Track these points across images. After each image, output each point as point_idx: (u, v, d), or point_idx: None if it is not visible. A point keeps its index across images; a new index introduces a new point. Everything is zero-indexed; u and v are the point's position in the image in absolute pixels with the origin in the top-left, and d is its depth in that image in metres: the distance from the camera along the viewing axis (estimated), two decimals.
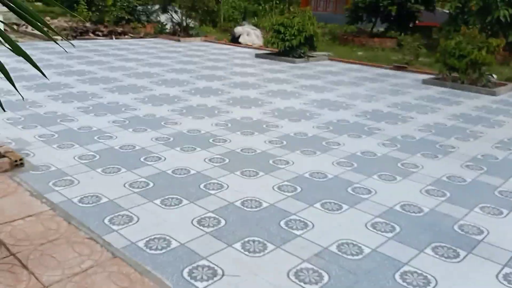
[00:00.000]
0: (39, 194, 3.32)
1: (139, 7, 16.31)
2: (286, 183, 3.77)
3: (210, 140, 4.81)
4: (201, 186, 3.64)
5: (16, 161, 3.79)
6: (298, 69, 9.93)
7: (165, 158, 4.22)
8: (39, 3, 27.34)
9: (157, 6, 15.70)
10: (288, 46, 10.86)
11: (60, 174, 3.74)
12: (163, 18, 16.00)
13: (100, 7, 15.77)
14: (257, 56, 11.58)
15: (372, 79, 9.00)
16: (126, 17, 15.68)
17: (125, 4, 15.61)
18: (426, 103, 7.00)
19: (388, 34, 15.23)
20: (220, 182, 3.72)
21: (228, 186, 3.64)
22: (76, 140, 4.64)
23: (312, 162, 4.28)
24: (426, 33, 16.05)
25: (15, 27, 14.68)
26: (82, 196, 3.36)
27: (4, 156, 3.80)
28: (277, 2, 21.35)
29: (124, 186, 3.58)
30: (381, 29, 15.50)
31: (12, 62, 8.44)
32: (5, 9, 2.23)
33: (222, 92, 7.22)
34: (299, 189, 3.66)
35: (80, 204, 3.24)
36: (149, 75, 8.33)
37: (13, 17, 19.10)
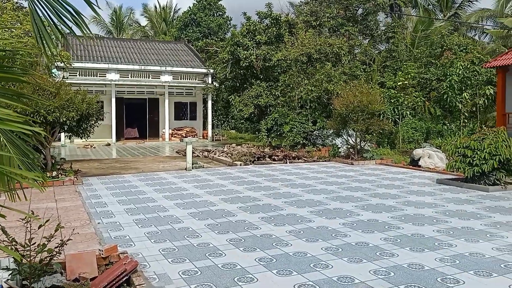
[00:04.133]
0: None
1: (316, 132, 16.87)
2: None
3: None
4: None
5: None
6: (491, 199, 8.20)
7: None
8: (233, 130, 31.46)
9: (331, 130, 15.95)
10: (478, 172, 9.27)
11: None
12: (338, 141, 16.11)
13: (278, 133, 16.89)
14: (439, 182, 10.19)
15: None
16: (302, 142, 16.29)
17: (301, 130, 16.34)
18: None
19: None
20: None
21: None
22: (214, 281, 4.30)
23: None
24: None
25: (206, 153, 16.69)
26: None
27: None
28: (466, 120, 19.57)
29: None
30: None
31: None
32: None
33: (390, 227, 6.21)
34: None
35: None
36: (311, 204, 7.91)
37: (209, 144, 22.03)
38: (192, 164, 12.94)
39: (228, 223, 6.58)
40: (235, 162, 14.10)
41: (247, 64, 20.89)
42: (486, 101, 19.66)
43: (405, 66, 20.08)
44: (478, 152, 9.36)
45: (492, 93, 19.42)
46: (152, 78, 25.23)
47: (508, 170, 9.29)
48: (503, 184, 9.24)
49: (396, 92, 18.18)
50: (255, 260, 4.88)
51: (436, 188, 9.42)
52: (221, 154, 16.19)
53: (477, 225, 6.26)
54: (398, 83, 18.53)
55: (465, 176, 9.66)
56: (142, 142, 25.03)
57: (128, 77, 24.64)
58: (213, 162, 15.08)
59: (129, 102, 25.84)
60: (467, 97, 18.82)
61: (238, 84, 23.03)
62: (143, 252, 5.20)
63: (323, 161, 14.74)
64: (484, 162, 9.20)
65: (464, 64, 18.70)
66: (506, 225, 6.24)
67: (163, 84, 25.15)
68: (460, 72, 18.57)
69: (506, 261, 4.72)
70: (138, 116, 26.27)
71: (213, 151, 17.05)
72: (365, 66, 24.40)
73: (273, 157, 14.76)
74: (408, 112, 18.24)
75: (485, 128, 10.41)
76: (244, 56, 20.63)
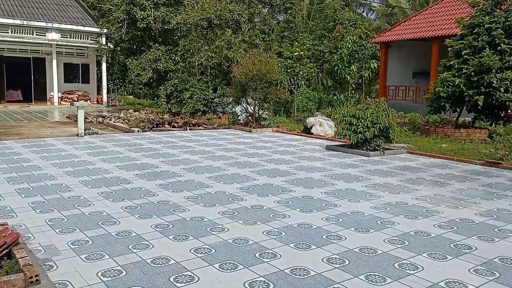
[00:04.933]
0: None
1: (216, 99, 16.89)
2: None
3: (257, 255, 4.09)
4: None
5: (31, 277, 3.36)
6: (371, 163, 9.08)
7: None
8: (130, 96, 30.06)
9: (231, 98, 16.11)
10: (361, 139, 10.16)
11: None
12: (238, 109, 16.35)
13: (178, 99, 16.58)
14: (328, 148, 10.97)
15: (459, 177, 7.85)
16: (202, 109, 16.23)
17: (201, 97, 16.24)
18: None
19: (477, 125, 13.94)
20: None
21: None
22: (107, 250, 4.19)
23: None
24: None
25: (100, 119, 15.79)
26: None
27: (21, 271, 3.40)
28: (353, 92, 21.13)
29: None
30: (468, 119, 14.27)
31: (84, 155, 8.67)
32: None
33: (283, 190, 6.58)
34: None
35: None
36: (210, 170, 8.02)
37: (105, 110, 20.85)
38: (85, 130, 12.17)
39: (124, 190, 6.39)
40: (132, 128, 13.58)
41: (145, 25, 19.90)
42: (370, 74, 21.40)
43: (301, 37, 20.84)
44: (362, 121, 10.22)
45: (376, 66, 21.17)
46: (37, 35, 22.77)
47: (387, 137, 10.32)
48: (382, 150, 10.27)
49: (292, 62, 18.86)
50: (151, 226, 4.85)
51: (325, 154, 10.14)
52: (117, 120, 15.45)
53: (358, 187, 6.92)
54: (295, 54, 19.22)
55: (350, 143, 10.53)
56: (27, 105, 22.77)
57: (8, 32, 21.93)
58: (108, 128, 14.35)
59: (10, 61, 23.11)
60: (354, 70, 20.26)
61: (135, 47, 21.87)
62: (27, 223, 4.84)
63: (223, 129, 14.90)
64: (366, 129, 10.09)
65: (353, 39, 19.99)
66: (383, 186, 7.00)
67: (50, 42, 22.89)
68: (349, 46, 19.84)
69: (382, 218, 5.32)
70: (21, 77, 23.66)
71: (109, 117, 16.19)
72: (264, 35, 24.80)
73: (173, 124, 14.50)
74: (303, 83, 19.10)
75: (368, 99, 11.35)
76: (141, 16, 19.59)
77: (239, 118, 15.94)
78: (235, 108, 16.43)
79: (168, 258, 4.00)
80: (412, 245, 4.41)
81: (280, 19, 30.16)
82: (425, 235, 4.73)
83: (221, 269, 3.79)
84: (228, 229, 4.81)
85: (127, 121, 14.93)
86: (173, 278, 3.60)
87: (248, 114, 15.43)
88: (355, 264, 3.93)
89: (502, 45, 12.66)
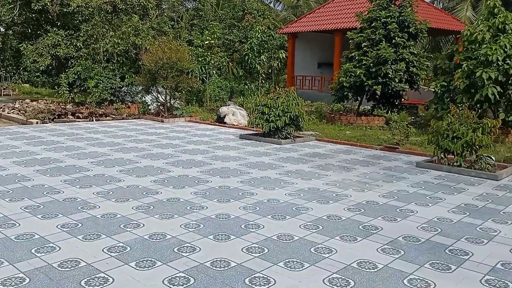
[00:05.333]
0: None
1: (124, 88, 16.10)
2: None
3: (175, 249, 3.99)
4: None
5: None
6: (284, 151, 9.35)
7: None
8: (26, 84, 27.47)
9: (141, 87, 15.47)
10: (273, 127, 10.40)
11: None
12: (148, 98, 15.75)
13: (82, 88, 15.52)
14: (242, 137, 11.07)
15: (363, 162, 8.41)
16: (109, 98, 15.38)
17: (108, 85, 15.36)
18: (425, 192, 6.32)
19: (375, 113, 15.03)
20: None
21: None
22: (6, 256, 3.78)
23: (299, 280, 3.45)
24: (413, 111, 15.94)
25: None
26: None
27: None
28: (263, 81, 21.53)
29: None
30: (368, 108, 15.33)
31: None
32: None
33: (199, 181, 6.50)
34: None
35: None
36: (120, 163, 7.63)
37: None
38: None
39: (23, 189, 5.82)
40: (30, 120, 12.42)
41: (40, 7, 18.19)
42: (279, 64, 21.98)
43: (211, 25, 20.64)
44: (274, 110, 10.46)
45: (284, 57, 21.77)
46: None
47: (297, 125, 10.69)
48: (292, 138, 10.62)
49: (203, 51, 18.63)
50: (56, 227, 4.48)
51: (239, 143, 10.22)
52: (12, 111, 14.02)
53: (273, 175, 7.09)
54: (205, 42, 19.00)
55: (263, 131, 10.73)
56: None
57: None
58: (2, 120, 12.97)
59: None
60: (264, 60, 20.63)
61: (30, 31, 19.91)
62: None
63: (132, 119, 14.28)
64: (278, 118, 10.35)
65: (262, 29, 20.30)
66: (296, 173, 7.25)
67: None
68: (259, 36, 20.11)
69: (297, 204, 5.50)
70: None
71: (1, 108, 14.62)
72: (173, 22, 24.14)
73: (77, 114, 13.53)
74: (214, 72, 18.99)
75: (278, 88, 11.63)
76: None
77: (149, 107, 15.38)
78: (145, 98, 15.81)
79: (78, 260, 3.73)
80: (326, 229, 4.62)
81: (189, 6, 29.57)
82: (337, 218, 4.99)
83: (137, 268, 3.62)
84: (144, 225, 4.63)
85: (24, 112, 13.62)
86: (84, 282, 3.36)
87: (159, 103, 14.96)
88: (274, 251, 4.02)
89: (396, 38, 13.74)
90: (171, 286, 3.33)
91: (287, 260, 3.83)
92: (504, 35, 11.22)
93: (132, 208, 5.17)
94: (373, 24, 14.01)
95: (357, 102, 15.01)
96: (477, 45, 11.52)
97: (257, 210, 5.22)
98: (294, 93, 10.89)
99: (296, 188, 6.30)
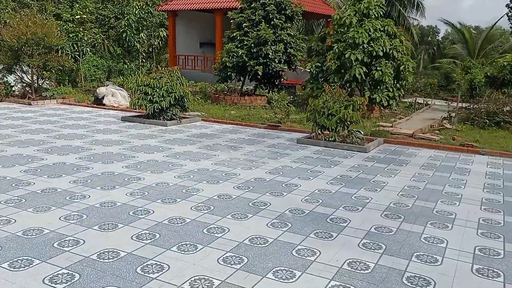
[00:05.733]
0: None
1: None
2: None
3: (55, 244, 3.65)
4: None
5: None
6: (170, 132, 9.13)
7: None
8: None
9: (1, 66, 13.63)
10: (158, 108, 10.07)
11: None
12: (11, 78, 13.97)
13: None
14: (124, 119, 10.51)
15: (249, 140, 8.63)
16: None
17: None
18: (306, 166, 6.74)
19: (257, 92, 15.49)
20: None
21: None
22: None
23: (193, 263, 3.43)
24: (291, 91, 16.82)
25: None
26: None
27: None
28: (144, 60, 20.65)
29: None
30: (250, 88, 15.72)
31: None
32: None
33: (79, 168, 6.01)
34: None
35: None
36: None
37: None
38: None
39: None
40: None
41: None
42: (160, 42, 21.24)
43: None
44: (157, 90, 10.12)
45: (165, 35, 21.10)
46: None
47: (182, 106, 10.50)
48: (178, 119, 10.42)
49: (74, 26, 17.09)
50: None
51: (122, 126, 9.70)
52: None
53: (160, 157, 6.88)
54: (76, 17, 17.44)
55: (147, 113, 10.33)
56: None
57: None
58: None
59: None
60: (144, 38, 19.73)
61: None
62: None
63: None
64: (162, 99, 10.05)
65: (140, 4, 19.33)
66: (184, 155, 7.14)
67: None
68: (136, 12, 19.11)
69: (187, 186, 5.43)
70: None
71: None
72: None
73: None
74: (88, 49, 17.61)
75: (160, 68, 11.24)
76: None
77: (13, 89, 13.68)
78: (7, 78, 13.99)
79: None
80: (217, 209, 4.65)
81: None
82: (227, 197, 5.06)
83: (12, 269, 3.24)
84: (15, 220, 4.14)
85: None
86: None
87: (25, 84, 13.39)
88: (166, 236, 3.92)
89: (275, 20, 14.22)
90: (53, 285, 3.05)
91: (180, 244, 3.77)
92: (369, 19, 12.36)
93: (0, 202, 4.58)
94: (252, 5, 14.28)
95: (240, 82, 15.28)
96: (346, 28, 12.53)
97: (146, 195, 5.03)
98: (177, 73, 10.64)
99: (185, 170, 6.21)
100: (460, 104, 14.00)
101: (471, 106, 12.97)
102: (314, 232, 4.14)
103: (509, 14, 23.80)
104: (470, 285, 3.26)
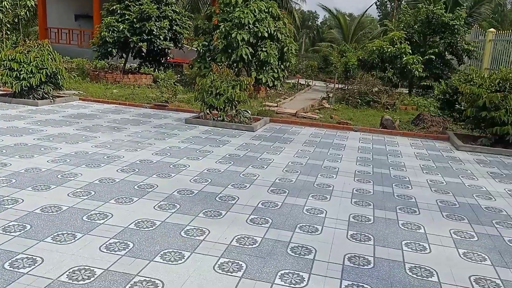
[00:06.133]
0: None
1: None
2: None
3: None
4: None
5: None
6: (41, 113, 8.24)
7: None
8: None
9: None
10: (26, 86, 9.01)
11: None
12: None
13: None
14: None
15: (133, 121, 8.20)
16: None
17: None
18: (195, 146, 6.64)
19: (142, 71, 14.82)
20: None
21: None
22: None
23: (71, 253, 3.13)
24: (178, 70, 16.43)
25: None
26: None
27: None
28: (8, 32, 18.31)
29: None
30: (134, 65, 14.96)
31: None
32: None
33: None
34: None
35: None
36: None
37: None
38: None
39: None
40: None
41: None
42: (28, 13, 18.99)
43: None
44: (25, 66, 9.03)
45: (33, 5, 18.91)
46: None
47: (56, 84, 9.55)
48: (51, 98, 9.46)
49: None
50: None
51: None
52: None
53: (30, 140, 6.17)
54: None
55: (13, 91, 9.19)
56: None
57: None
58: None
59: None
60: (8, 7, 17.45)
61: None
62: None
63: None
64: (31, 75, 9.01)
65: None
66: (59, 137, 6.50)
67: None
68: None
69: (63, 171, 4.95)
70: None
71: None
72: None
73: None
74: None
75: (28, 41, 10.03)
76: None
77: None
78: None
79: None
80: (99, 194, 4.32)
81: None
82: (110, 181, 4.73)
83: None
84: None
85: None
86: None
87: None
88: (39, 227, 3.52)
89: None
90: None
91: (55, 234, 3.42)
92: (254, 0, 12.52)
93: None
94: None
95: (123, 59, 14.43)
96: (232, 8, 12.54)
97: (13, 182, 4.46)
98: (49, 47, 9.61)
99: (60, 153, 5.66)
100: (336, 85, 15.09)
101: (346, 87, 14.06)
102: (203, 211, 4.09)
103: (377, 3, 26.20)
104: (346, 250, 3.51)
